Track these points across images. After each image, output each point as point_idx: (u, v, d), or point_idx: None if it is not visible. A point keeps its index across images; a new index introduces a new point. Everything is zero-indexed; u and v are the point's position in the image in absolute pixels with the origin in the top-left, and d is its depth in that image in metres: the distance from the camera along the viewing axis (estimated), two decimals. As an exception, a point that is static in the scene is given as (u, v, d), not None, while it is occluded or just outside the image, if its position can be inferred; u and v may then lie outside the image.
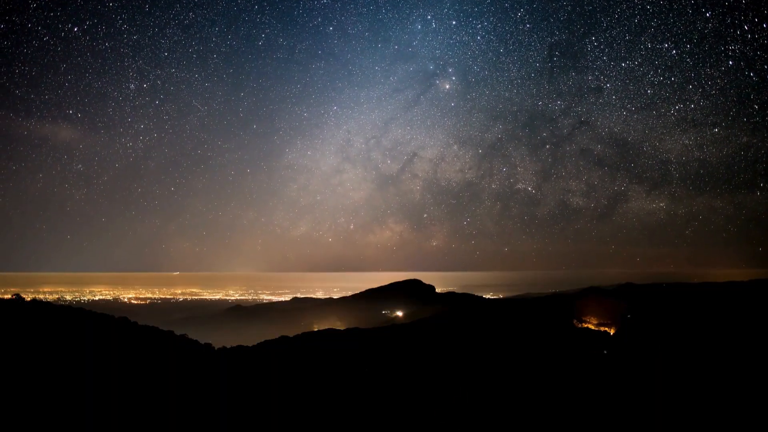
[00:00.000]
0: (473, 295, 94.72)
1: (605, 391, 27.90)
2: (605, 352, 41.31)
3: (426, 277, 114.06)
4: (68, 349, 24.01)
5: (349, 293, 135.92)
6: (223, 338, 53.31)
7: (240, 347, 34.52)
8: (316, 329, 45.70)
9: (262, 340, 38.72)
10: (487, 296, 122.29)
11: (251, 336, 54.67)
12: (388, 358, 33.97)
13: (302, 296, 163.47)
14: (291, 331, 45.88)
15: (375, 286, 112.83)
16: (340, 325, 51.29)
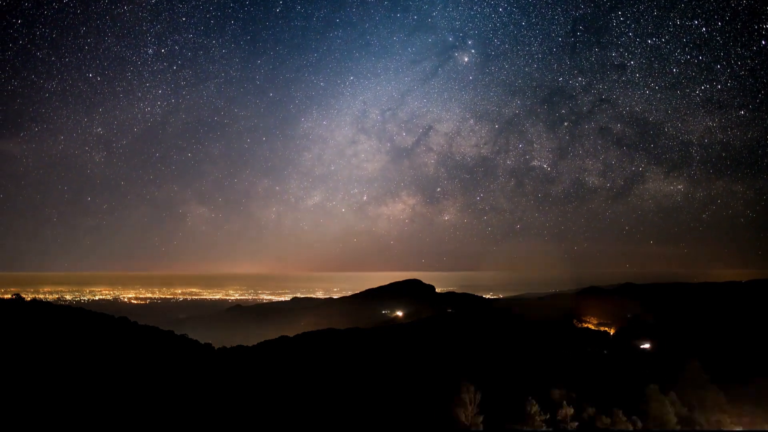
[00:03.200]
0: (473, 295, 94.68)
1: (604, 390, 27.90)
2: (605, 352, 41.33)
3: (426, 277, 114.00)
4: (68, 348, 24.03)
5: (349, 293, 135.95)
6: (223, 338, 53.33)
7: (240, 347, 34.53)
8: (316, 329, 45.63)
9: (262, 340, 38.72)
10: (487, 296, 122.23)
11: (251, 336, 54.72)
12: (388, 358, 33.96)
13: (302, 296, 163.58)
14: (291, 331, 45.85)
15: (375, 286, 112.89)
16: (340, 325, 51.31)
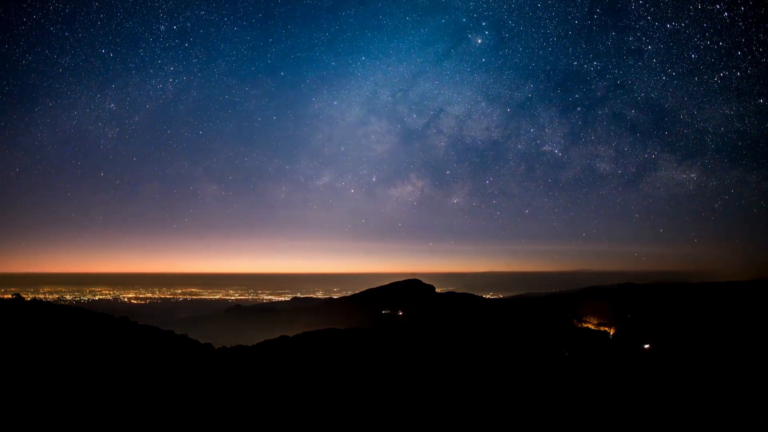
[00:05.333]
0: (473, 295, 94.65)
1: (603, 390, 27.91)
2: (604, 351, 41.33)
3: (426, 276, 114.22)
4: (69, 348, 24.03)
5: (349, 293, 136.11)
6: (223, 338, 53.36)
7: (240, 347, 34.52)
8: (316, 329, 45.67)
9: (262, 340, 38.72)
10: (487, 296, 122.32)
11: (251, 336, 54.70)
12: (389, 358, 33.97)
13: (302, 296, 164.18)
14: (291, 331, 45.86)
15: (375, 286, 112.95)
16: (340, 325, 51.39)
